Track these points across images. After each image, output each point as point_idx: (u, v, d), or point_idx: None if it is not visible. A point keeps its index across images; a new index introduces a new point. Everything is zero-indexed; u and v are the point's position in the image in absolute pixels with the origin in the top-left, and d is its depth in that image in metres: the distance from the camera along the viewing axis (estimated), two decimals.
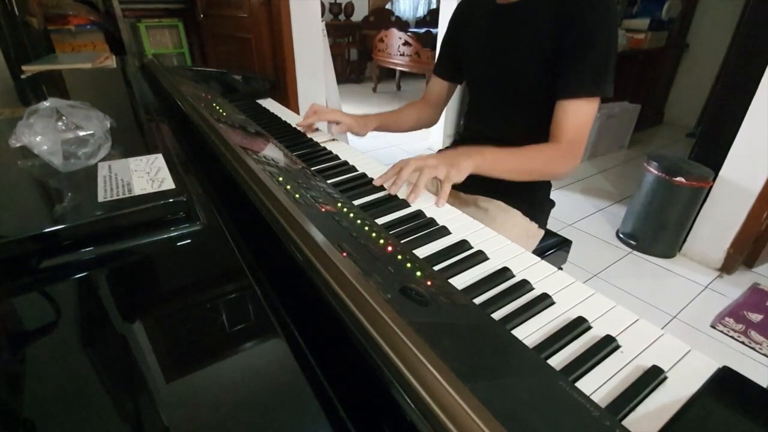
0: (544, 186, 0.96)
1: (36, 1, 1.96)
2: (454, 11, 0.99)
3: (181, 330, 0.38)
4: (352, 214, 0.57)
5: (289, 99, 2.23)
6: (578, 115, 0.77)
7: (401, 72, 4.72)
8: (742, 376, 0.35)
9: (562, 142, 0.78)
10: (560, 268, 0.53)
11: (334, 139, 0.99)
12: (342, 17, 5.08)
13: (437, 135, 3.10)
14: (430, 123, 1.13)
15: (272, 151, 0.77)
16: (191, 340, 0.37)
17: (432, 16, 5.64)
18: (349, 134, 1.03)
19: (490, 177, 0.76)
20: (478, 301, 0.46)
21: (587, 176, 2.74)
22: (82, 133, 0.63)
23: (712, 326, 1.49)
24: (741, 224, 1.69)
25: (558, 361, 0.38)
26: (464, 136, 1.06)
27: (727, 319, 1.52)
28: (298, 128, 1.05)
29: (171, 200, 0.51)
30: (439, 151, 1.10)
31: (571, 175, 2.72)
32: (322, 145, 0.95)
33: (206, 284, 0.45)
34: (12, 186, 0.57)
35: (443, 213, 0.66)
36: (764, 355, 1.38)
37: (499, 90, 0.90)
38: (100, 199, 0.51)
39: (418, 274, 0.44)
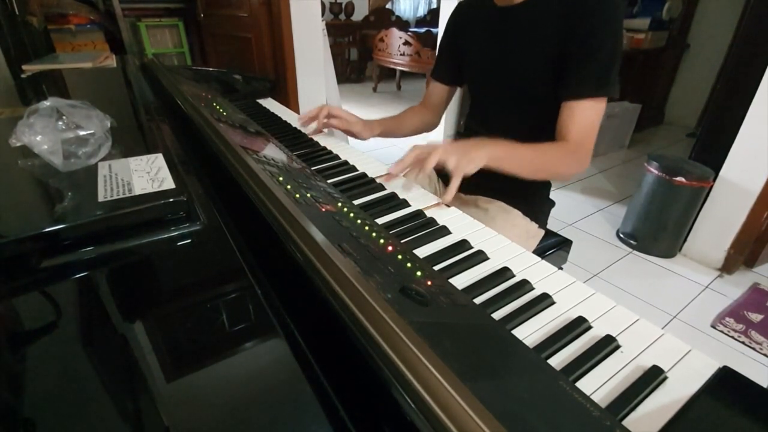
0: (545, 186, 0.95)
1: (36, 1, 1.95)
2: (451, 14, 0.97)
3: (181, 330, 0.38)
4: (352, 214, 0.57)
5: (289, 99, 2.23)
6: (585, 116, 0.75)
7: (401, 72, 4.71)
8: (742, 376, 0.35)
9: (570, 143, 0.76)
10: (560, 268, 0.53)
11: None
12: (342, 17, 5.08)
13: (436, 135, 3.10)
14: (431, 127, 1.11)
15: (272, 151, 0.77)
16: (191, 340, 0.37)
17: (432, 16, 5.63)
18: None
19: (498, 172, 0.73)
20: (478, 300, 0.46)
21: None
22: (82, 133, 0.63)
23: (713, 326, 1.49)
24: (741, 224, 1.69)
25: (558, 361, 0.38)
26: (464, 137, 1.06)
27: (727, 319, 1.52)
28: (303, 129, 1.05)
29: (171, 200, 0.51)
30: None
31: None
32: (322, 144, 0.94)
33: (206, 284, 0.45)
34: (12, 185, 0.57)
35: (443, 213, 0.66)
36: (764, 355, 1.38)
37: (501, 92, 0.89)
38: (100, 198, 0.51)
39: (419, 273, 0.44)
